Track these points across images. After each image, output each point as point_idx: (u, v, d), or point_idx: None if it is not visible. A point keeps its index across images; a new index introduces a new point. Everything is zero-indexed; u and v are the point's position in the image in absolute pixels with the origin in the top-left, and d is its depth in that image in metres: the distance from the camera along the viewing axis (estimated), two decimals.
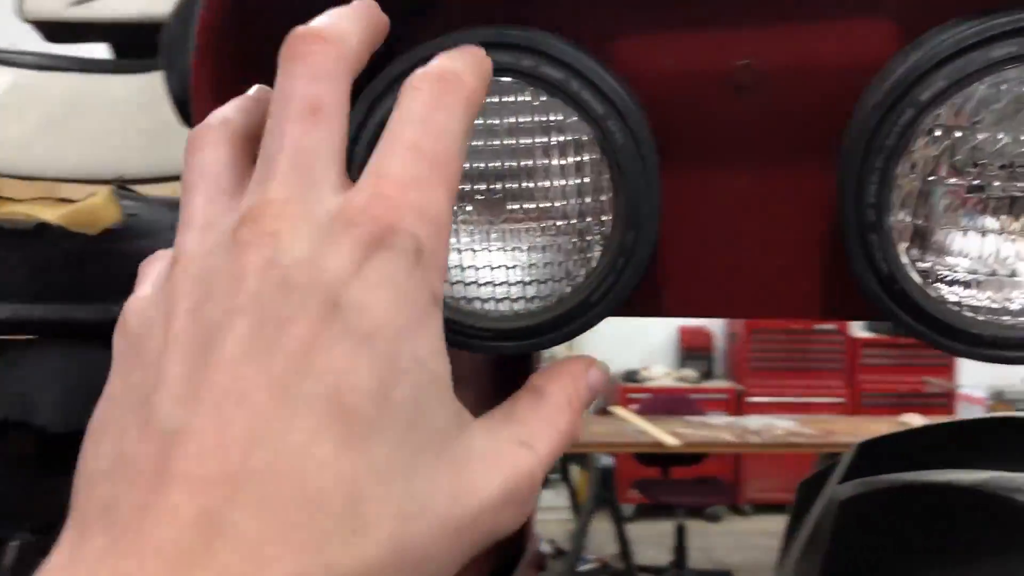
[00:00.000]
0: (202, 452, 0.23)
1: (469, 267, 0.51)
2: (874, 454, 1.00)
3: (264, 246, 0.26)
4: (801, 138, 0.53)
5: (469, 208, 0.50)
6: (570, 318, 0.50)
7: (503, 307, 0.51)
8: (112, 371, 0.28)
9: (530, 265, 0.50)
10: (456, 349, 0.52)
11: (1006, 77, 0.43)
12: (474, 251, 0.50)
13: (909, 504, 0.81)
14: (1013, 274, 0.46)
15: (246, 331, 0.24)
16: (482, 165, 0.49)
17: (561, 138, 0.48)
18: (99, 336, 0.44)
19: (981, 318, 0.47)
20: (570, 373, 0.34)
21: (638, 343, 6.45)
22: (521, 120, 0.48)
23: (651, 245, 0.49)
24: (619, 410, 5.10)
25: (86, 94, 1.31)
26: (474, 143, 0.49)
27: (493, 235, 0.50)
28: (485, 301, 0.51)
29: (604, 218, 0.50)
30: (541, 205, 0.49)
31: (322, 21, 0.31)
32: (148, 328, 0.27)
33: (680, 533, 4.67)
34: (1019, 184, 0.46)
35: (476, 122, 0.47)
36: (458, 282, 0.51)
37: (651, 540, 5.06)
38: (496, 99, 0.48)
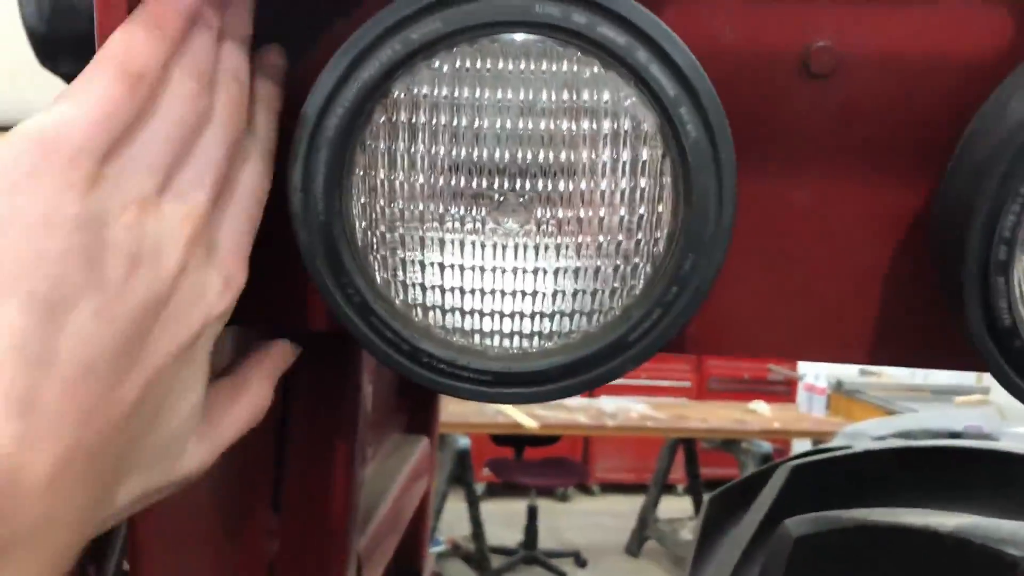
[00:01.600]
0: None
1: (472, 291, 0.38)
2: (808, 478, 0.93)
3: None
4: (889, 141, 0.42)
5: (482, 212, 0.36)
6: (596, 362, 0.38)
7: (510, 343, 0.39)
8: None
9: (555, 293, 0.38)
10: (443, 393, 0.39)
11: None
12: (482, 270, 0.37)
13: (878, 547, 0.73)
14: None
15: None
16: (505, 155, 0.36)
17: (614, 125, 0.36)
18: None
19: None
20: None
21: None
22: (563, 98, 0.35)
23: (714, 274, 0.38)
24: None
25: None
26: (497, 124, 0.35)
27: (510, 250, 0.37)
28: (487, 335, 0.38)
29: (657, 236, 0.38)
30: (581, 215, 0.37)
31: None
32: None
33: (532, 514, 4.64)
34: None
35: (498, 96, 0.34)
36: (455, 309, 0.38)
37: (501, 520, 5.01)
38: (529, 65, 0.35)
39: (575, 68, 0.35)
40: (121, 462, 0.31)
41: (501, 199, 0.36)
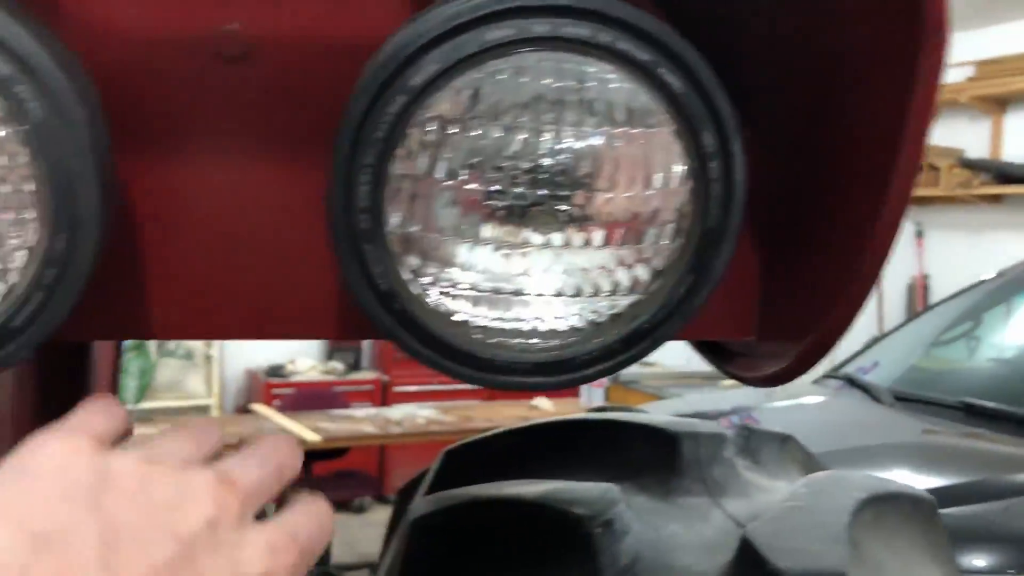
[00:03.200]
0: None
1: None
2: (460, 461, 0.96)
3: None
4: (302, 123, 0.44)
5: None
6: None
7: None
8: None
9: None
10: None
11: (505, 65, 0.37)
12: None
13: (478, 520, 0.77)
14: (518, 292, 0.41)
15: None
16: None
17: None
18: None
19: (492, 341, 0.42)
20: None
21: None
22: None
23: (91, 252, 0.38)
24: (260, 408, 4.87)
25: None
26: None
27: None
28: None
29: (28, 216, 0.38)
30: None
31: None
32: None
33: None
34: (538, 191, 0.41)
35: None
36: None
37: None
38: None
39: None
40: None
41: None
